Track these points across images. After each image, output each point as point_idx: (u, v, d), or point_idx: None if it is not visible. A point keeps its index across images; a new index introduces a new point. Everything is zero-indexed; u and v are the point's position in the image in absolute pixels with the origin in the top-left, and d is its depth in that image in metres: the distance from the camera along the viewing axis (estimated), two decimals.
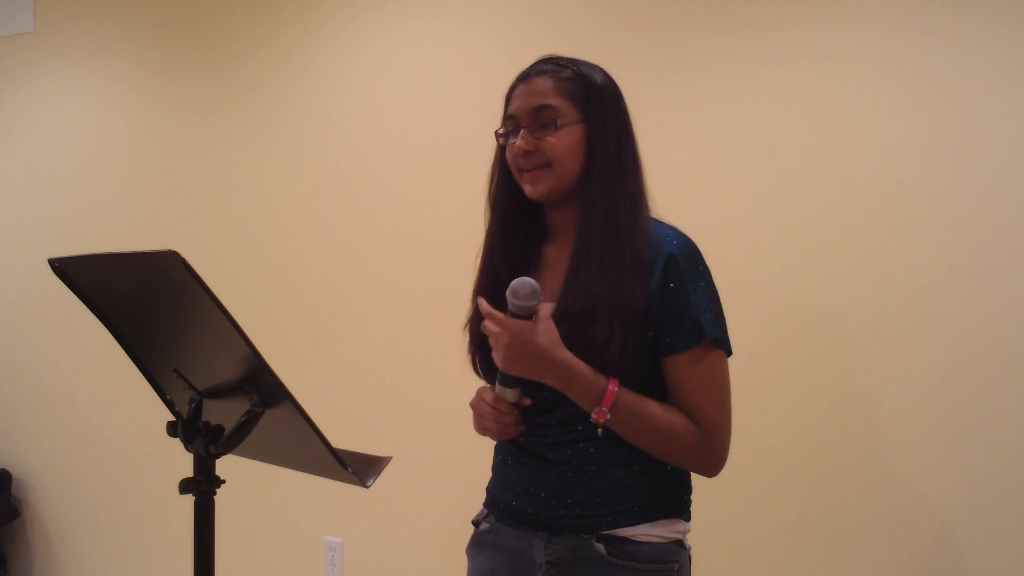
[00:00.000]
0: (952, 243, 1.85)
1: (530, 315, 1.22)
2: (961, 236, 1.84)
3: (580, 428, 1.29)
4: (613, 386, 1.23)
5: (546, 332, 1.23)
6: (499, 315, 1.23)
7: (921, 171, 1.88)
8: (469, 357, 1.43)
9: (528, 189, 1.33)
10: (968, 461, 1.83)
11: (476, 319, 1.40)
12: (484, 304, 1.25)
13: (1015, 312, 1.79)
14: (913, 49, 1.89)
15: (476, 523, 1.43)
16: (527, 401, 1.30)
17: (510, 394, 1.29)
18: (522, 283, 1.21)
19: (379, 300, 2.61)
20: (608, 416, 1.23)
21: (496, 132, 1.38)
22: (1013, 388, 1.79)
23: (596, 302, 1.24)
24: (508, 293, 1.22)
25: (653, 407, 1.26)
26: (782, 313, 2.01)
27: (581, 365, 1.23)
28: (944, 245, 1.85)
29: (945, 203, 1.85)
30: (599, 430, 1.26)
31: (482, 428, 1.36)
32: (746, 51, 2.05)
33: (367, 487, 1.11)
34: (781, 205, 2.01)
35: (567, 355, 1.23)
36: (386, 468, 1.20)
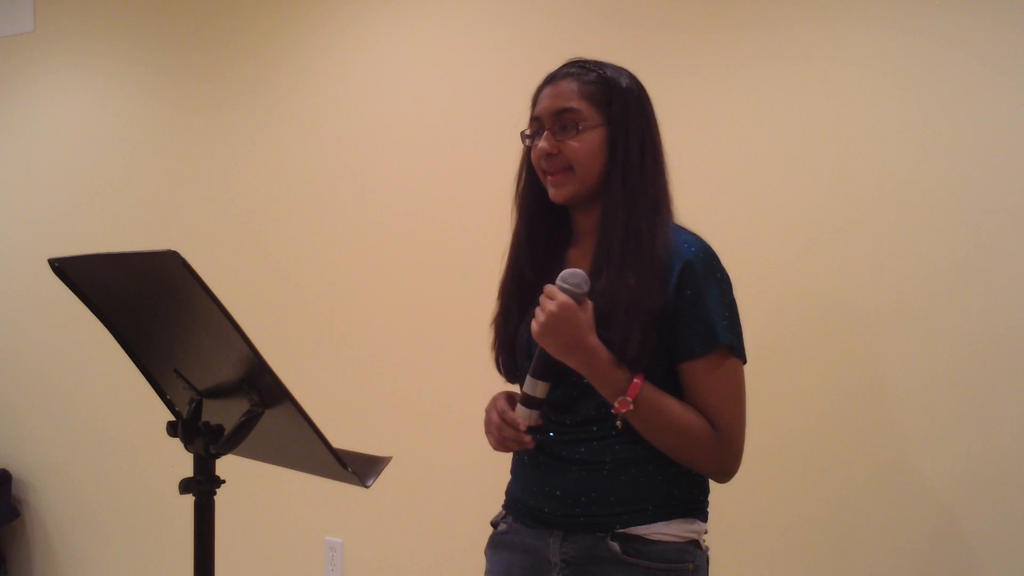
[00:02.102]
0: (953, 239, 1.85)
1: (579, 301, 1.25)
2: (962, 232, 1.84)
3: (595, 428, 1.30)
4: (639, 379, 1.24)
5: (585, 316, 1.24)
6: (554, 288, 1.24)
7: (921, 168, 1.88)
8: (492, 355, 1.45)
9: (552, 192, 1.35)
10: (973, 455, 1.83)
11: (501, 319, 1.42)
12: (551, 287, 1.26)
13: (1017, 306, 1.79)
14: (913, 49, 1.89)
15: (494, 524, 1.44)
16: (539, 421, 1.32)
17: (542, 388, 1.29)
18: (573, 272, 1.24)
19: (379, 300, 2.61)
20: (631, 407, 1.24)
21: (522, 133, 1.39)
22: (1017, 381, 1.79)
23: (615, 304, 1.25)
24: (559, 280, 1.24)
25: (675, 405, 1.27)
26: (784, 310, 2.01)
27: (609, 355, 1.25)
28: (945, 241, 1.85)
29: (946, 199, 1.85)
30: (619, 423, 1.27)
31: (487, 434, 1.39)
32: (747, 51, 2.06)
33: (367, 487, 1.11)
34: (781, 203, 2.02)
35: (599, 342, 1.25)
36: (386, 468, 1.20)
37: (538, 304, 1.26)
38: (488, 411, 1.38)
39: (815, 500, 1.98)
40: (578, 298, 1.24)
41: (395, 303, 2.58)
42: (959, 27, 1.84)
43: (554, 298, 1.23)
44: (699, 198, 2.07)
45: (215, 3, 2.92)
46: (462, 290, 2.45)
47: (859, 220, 1.93)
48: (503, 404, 1.36)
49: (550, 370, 1.28)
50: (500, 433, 1.34)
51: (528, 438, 1.32)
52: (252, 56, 2.84)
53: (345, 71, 2.67)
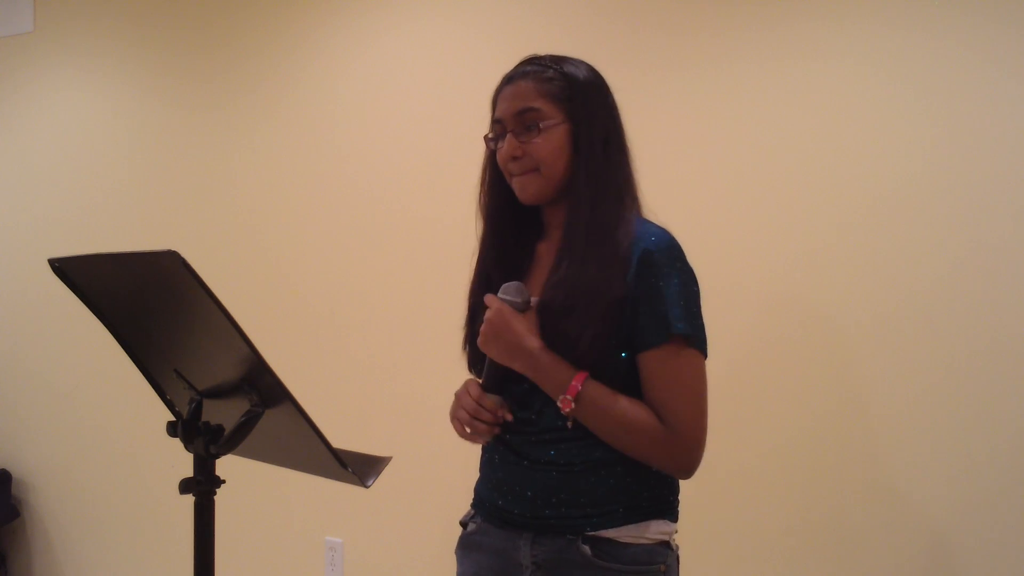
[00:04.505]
0: (950, 243, 1.85)
1: (521, 311, 1.30)
2: (959, 236, 1.84)
3: (562, 426, 1.30)
4: (579, 379, 1.25)
5: (523, 321, 1.28)
6: (492, 296, 1.30)
7: (919, 171, 1.88)
8: (464, 353, 1.45)
9: (519, 194, 1.35)
10: (965, 462, 1.83)
11: (471, 318, 1.43)
12: (489, 296, 1.32)
13: (1013, 313, 1.79)
14: (913, 49, 1.89)
15: (464, 524, 1.43)
16: (509, 416, 1.33)
17: (489, 400, 1.33)
18: (508, 285, 1.31)
19: (379, 300, 2.61)
20: (573, 406, 1.25)
21: (485, 136, 1.39)
22: (1011, 389, 1.79)
23: (576, 295, 1.26)
24: (500, 292, 1.30)
25: (619, 401, 1.26)
26: (779, 313, 2.01)
27: (551, 356, 1.26)
28: (942, 245, 1.85)
29: (943, 203, 1.85)
30: (569, 423, 1.28)
31: (455, 418, 1.37)
32: (746, 51, 2.05)
33: (367, 487, 1.11)
34: (779, 205, 2.01)
35: (538, 344, 1.27)
36: (386, 468, 1.20)
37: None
38: (460, 395, 1.37)
39: (803, 507, 1.98)
40: (517, 307, 1.28)
41: (395, 303, 2.58)
42: (959, 27, 1.84)
43: (490, 305, 1.28)
44: (696, 198, 2.08)
45: (215, 3, 2.92)
46: (463, 290, 2.44)
47: (855, 223, 1.93)
48: (476, 389, 1.35)
49: (499, 381, 1.31)
50: (475, 415, 1.32)
51: (497, 429, 1.33)
52: (251, 56, 2.84)
53: (344, 71, 2.67)
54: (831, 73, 1.96)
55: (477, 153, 2.41)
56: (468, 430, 1.36)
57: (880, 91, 1.91)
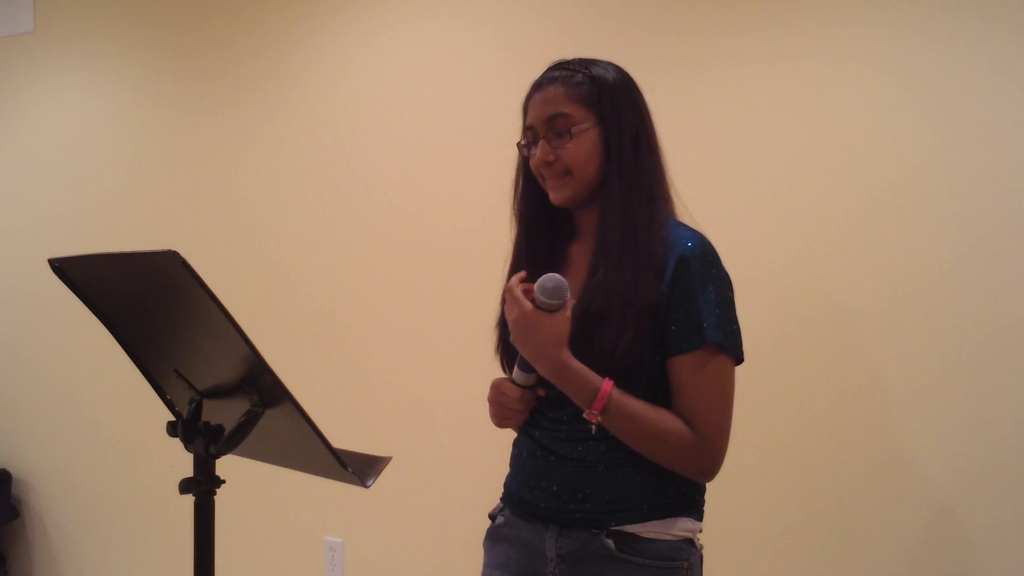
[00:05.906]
0: (951, 240, 1.85)
1: (553, 311, 1.24)
2: (961, 233, 1.84)
3: (591, 426, 1.30)
4: (607, 387, 1.25)
5: (551, 328, 1.24)
6: (516, 294, 1.26)
7: (920, 169, 1.88)
8: (497, 355, 1.46)
9: (552, 196, 1.36)
10: (971, 455, 1.83)
11: (504, 322, 1.42)
12: (512, 281, 1.28)
13: (1015, 307, 1.79)
14: (913, 49, 1.89)
15: (492, 516, 1.45)
16: (542, 392, 1.35)
17: (530, 378, 1.32)
18: (551, 279, 1.23)
19: (379, 300, 2.61)
20: (599, 418, 1.25)
21: (518, 143, 1.40)
22: (1014, 382, 1.79)
23: (612, 300, 1.26)
24: (536, 286, 1.24)
25: (647, 411, 1.27)
26: (782, 311, 2.01)
27: (577, 366, 1.25)
28: (943, 242, 1.86)
29: (945, 200, 1.85)
30: (593, 428, 1.28)
31: (503, 419, 1.39)
32: (746, 51, 2.06)
33: (367, 487, 1.11)
34: (782, 203, 2.02)
35: (564, 355, 1.25)
36: (386, 468, 1.20)
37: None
38: (496, 398, 1.38)
39: (812, 501, 1.98)
40: (553, 308, 1.23)
41: (395, 303, 2.58)
42: (959, 27, 1.84)
43: (516, 306, 1.25)
44: (697, 198, 2.07)
45: (215, 3, 2.92)
46: (462, 290, 2.45)
47: (857, 220, 1.93)
48: (508, 386, 1.36)
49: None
50: (524, 400, 1.34)
51: (541, 392, 1.35)
52: (252, 56, 2.84)
53: (345, 71, 2.67)
54: (832, 73, 1.96)
55: (478, 152, 2.42)
56: (519, 423, 1.39)
57: (882, 90, 1.91)
